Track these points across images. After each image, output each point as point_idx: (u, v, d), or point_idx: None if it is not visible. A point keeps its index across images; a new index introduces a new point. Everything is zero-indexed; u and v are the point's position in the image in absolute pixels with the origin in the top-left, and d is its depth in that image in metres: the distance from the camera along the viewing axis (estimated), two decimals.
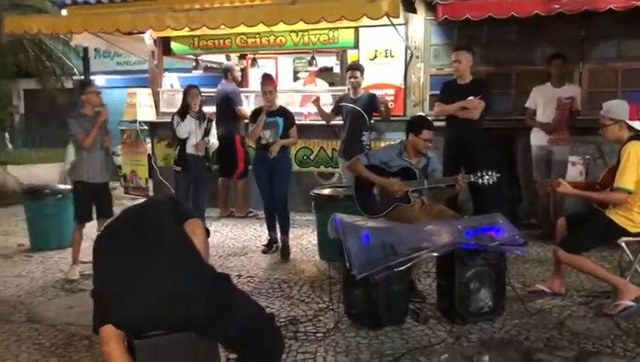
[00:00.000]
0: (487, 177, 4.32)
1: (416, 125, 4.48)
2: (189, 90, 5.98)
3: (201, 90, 6.14)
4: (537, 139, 6.05)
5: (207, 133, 5.98)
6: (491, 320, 3.79)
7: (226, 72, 7.67)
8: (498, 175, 4.34)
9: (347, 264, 3.65)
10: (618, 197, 3.85)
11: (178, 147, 6.00)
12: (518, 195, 6.63)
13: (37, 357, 3.48)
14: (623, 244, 3.97)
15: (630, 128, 3.94)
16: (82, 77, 12.21)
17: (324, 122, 6.70)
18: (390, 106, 6.96)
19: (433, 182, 4.45)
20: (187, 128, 5.87)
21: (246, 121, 6.75)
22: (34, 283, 4.94)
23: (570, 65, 6.27)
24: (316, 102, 6.51)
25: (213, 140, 6.23)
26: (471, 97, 5.46)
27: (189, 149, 5.90)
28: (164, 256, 2.45)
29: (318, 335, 3.67)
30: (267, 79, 5.68)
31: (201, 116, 5.96)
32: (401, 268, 3.61)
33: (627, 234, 3.91)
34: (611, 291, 4.07)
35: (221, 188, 7.51)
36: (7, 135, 13.28)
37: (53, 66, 13.59)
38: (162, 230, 2.53)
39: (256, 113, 5.61)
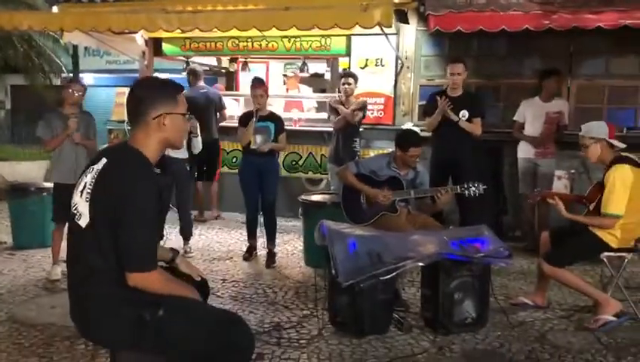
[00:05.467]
0: (473, 188, 4.34)
1: (403, 142, 4.48)
2: None
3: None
4: (524, 152, 6.12)
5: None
6: (474, 332, 3.80)
7: (196, 75, 7.44)
8: (485, 187, 4.37)
9: (333, 271, 3.66)
10: (609, 223, 3.91)
11: None
12: (504, 207, 6.67)
13: (16, 357, 3.43)
14: (605, 259, 4.03)
15: (612, 146, 4.01)
16: (71, 74, 12.09)
17: (312, 128, 6.66)
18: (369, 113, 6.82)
19: (420, 192, 4.48)
20: None
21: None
22: (15, 282, 4.88)
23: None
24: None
25: (196, 141, 5.88)
26: (464, 111, 5.51)
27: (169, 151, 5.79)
28: None
29: (301, 341, 3.66)
30: (257, 82, 5.59)
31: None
32: (386, 277, 3.62)
33: (609, 249, 3.96)
34: (593, 305, 4.11)
35: (202, 191, 7.51)
36: None
37: (42, 63, 13.37)
38: None
39: (246, 117, 5.58)
